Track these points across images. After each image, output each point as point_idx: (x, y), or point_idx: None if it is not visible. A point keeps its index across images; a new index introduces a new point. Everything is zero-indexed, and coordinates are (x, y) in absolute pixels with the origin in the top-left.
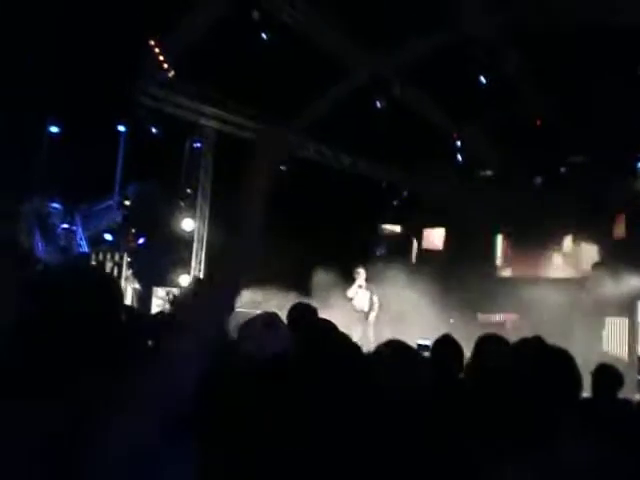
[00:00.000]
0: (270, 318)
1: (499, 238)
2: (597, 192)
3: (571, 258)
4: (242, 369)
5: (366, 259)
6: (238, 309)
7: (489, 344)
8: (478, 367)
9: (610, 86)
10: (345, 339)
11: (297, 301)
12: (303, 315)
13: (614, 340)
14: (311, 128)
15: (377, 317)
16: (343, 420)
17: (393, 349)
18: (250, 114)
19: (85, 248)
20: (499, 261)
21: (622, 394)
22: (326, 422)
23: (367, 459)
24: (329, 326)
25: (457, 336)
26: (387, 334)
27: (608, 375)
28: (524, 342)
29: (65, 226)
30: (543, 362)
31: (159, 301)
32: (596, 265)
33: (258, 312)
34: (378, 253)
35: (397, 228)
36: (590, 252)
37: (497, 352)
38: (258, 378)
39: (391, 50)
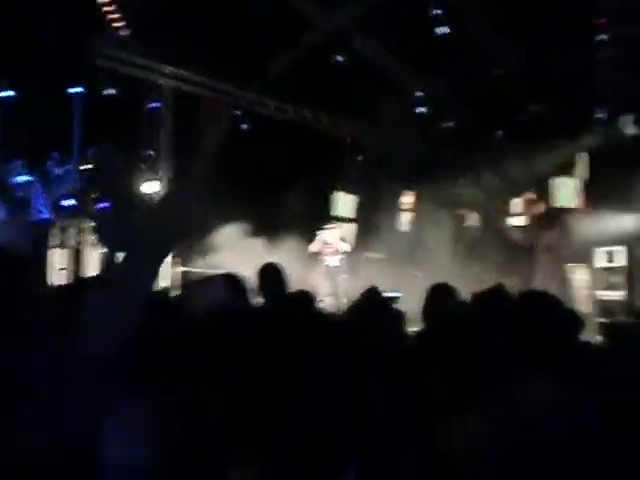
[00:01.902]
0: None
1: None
2: (558, 140)
3: (534, 205)
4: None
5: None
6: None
7: (440, 294)
8: (431, 317)
9: (568, 34)
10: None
11: (266, 262)
12: (272, 277)
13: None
14: (272, 85)
15: (346, 270)
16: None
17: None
18: (209, 72)
19: (47, 214)
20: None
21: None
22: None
23: (337, 405)
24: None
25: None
26: (357, 288)
27: (569, 318)
28: (482, 294)
29: (22, 178)
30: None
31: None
32: (550, 211)
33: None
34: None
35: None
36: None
37: (448, 302)
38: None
39: (351, 2)
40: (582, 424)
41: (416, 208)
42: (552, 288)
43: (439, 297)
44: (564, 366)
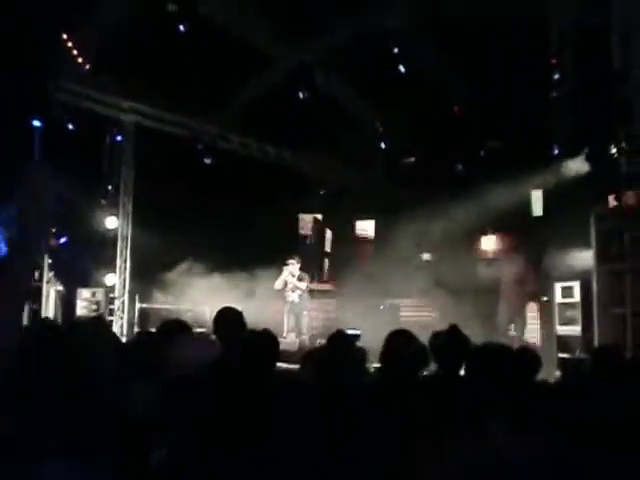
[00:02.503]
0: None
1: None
2: (515, 176)
3: (492, 242)
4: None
5: (296, 249)
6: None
7: (398, 340)
8: (390, 363)
9: (525, 73)
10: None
11: (222, 307)
12: (229, 321)
13: (534, 321)
14: (234, 119)
15: (308, 307)
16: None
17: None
18: (170, 106)
19: (3, 250)
20: (424, 247)
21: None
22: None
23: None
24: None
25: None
26: (319, 323)
27: (526, 358)
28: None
29: None
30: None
31: (84, 303)
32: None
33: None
34: (308, 242)
35: (317, 216)
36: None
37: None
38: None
39: (312, 40)
40: (540, 464)
41: (375, 239)
42: (515, 320)
43: (397, 343)
44: (522, 410)
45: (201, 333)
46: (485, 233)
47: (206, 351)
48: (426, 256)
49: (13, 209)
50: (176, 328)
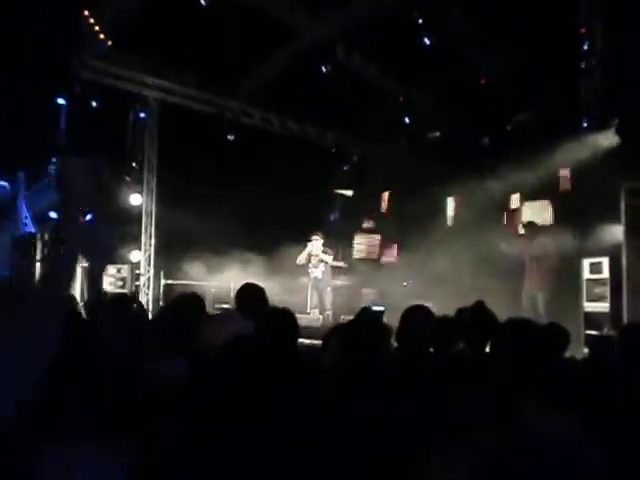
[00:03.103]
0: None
1: (449, 200)
2: (543, 149)
3: (517, 216)
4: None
5: (320, 224)
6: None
7: (415, 315)
8: (405, 339)
9: (553, 43)
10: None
11: (245, 282)
12: (251, 297)
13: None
14: (256, 95)
15: (332, 283)
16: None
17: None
18: (193, 82)
19: (31, 228)
20: (449, 221)
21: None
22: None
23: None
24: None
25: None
26: (343, 300)
27: (554, 335)
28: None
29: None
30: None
31: (110, 279)
32: (528, 224)
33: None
34: (332, 218)
35: (349, 192)
36: (536, 210)
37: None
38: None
39: (335, 13)
40: (570, 444)
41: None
42: (538, 298)
43: (414, 319)
44: (551, 388)
45: (227, 309)
46: (511, 207)
47: (227, 328)
48: (450, 230)
49: (39, 187)
50: (192, 305)
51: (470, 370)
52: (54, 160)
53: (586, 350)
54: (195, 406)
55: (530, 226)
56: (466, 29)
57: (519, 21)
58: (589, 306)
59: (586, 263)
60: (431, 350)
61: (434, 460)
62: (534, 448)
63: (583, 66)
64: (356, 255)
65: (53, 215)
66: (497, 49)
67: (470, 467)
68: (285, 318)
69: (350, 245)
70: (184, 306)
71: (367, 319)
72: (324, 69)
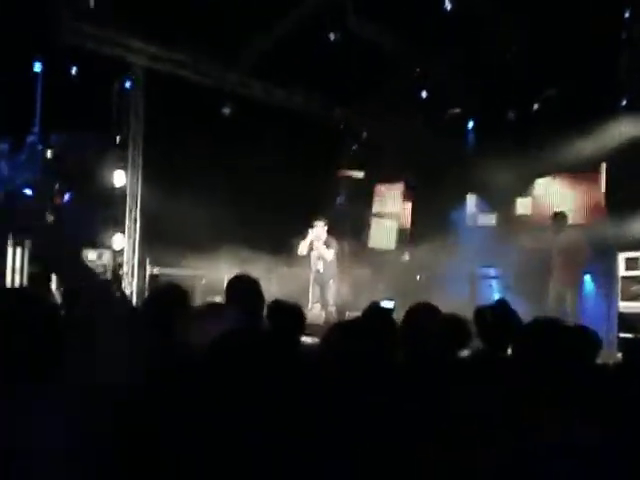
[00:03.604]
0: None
1: (469, 197)
2: (574, 130)
3: (544, 201)
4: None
5: (325, 209)
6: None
7: (420, 314)
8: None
9: (589, 8)
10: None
11: (236, 273)
12: (243, 291)
13: (592, 295)
14: (257, 63)
15: (336, 275)
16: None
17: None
18: (186, 49)
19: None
20: (469, 210)
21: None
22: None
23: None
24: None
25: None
26: (348, 294)
27: (584, 338)
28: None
29: None
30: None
31: (90, 264)
32: (557, 214)
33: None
34: (338, 202)
35: (359, 174)
36: (568, 197)
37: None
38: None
39: None
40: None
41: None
42: (566, 297)
43: (419, 319)
44: (580, 396)
45: (214, 303)
46: (538, 194)
47: (215, 325)
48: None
49: (16, 162)
50: (172, 298)
51: (482, 372)
52: (33, 132)
53: (620, 355)
54: (174, 411)
55: (559, 216)
56: None
57: None
58: (624, 306)
59: (622, 258)
60: (438, 351)
61: (434, 455)
62: (544, 456)
63: (625, 36)
64: (371, 243)
65: (28, 192)
66: (524, 16)
67: (477, 469)
68: (289, 313)
69: (359, 233)
70: (162, 299)
71: (375, 316)
72: (332, 37)
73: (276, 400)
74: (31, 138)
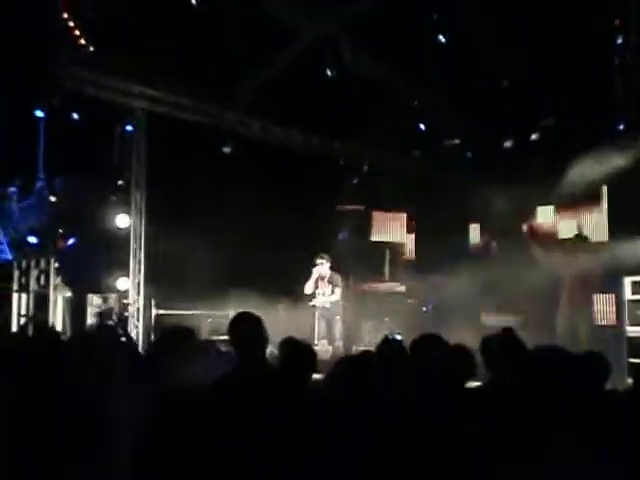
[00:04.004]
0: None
1: (472, 227)
2: (573, 157)
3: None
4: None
5: (328, 245)
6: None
7: (426, 345)
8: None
9: (583, 37)
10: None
11: (238, 311)
12: (244, 329)
13: (601, 319)
14: (254, 101)
15: (341, 311)
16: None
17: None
18: (185, 91)
19: (7, 254)
20: (472, 239)
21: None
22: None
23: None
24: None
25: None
26: (353, 329)
27: (593, 364)
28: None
29: None
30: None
31: (95, 309)
32: (578, 237)
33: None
34: (340, 237)
35: (360, 207)
36: (568, 223)
37: (434, 355)
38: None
39: (338, 8)
40: None
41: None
42: (578, 320)
43: (426, 348)
44: (589, 424)
45: (211, 342)
46: (538, 222)
47: (212, 365)
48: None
49: (13, 210)
50: (176, 337)
51: (491, 403)
52: (40, 177)
53: (630, 380)
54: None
55: (579, 238)
56: (484, 24)
57: (544, 14)
58: (632, 331)
59: (628, 282)
60: (445, 382)
61: None
62: None
63: (617, 62)
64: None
65: (33, 240)
66: (519, 46)
67: None
68: (299, 351)
69: (362, 266)
70: (169, 339)
71: (389, 349)
72: (329, 72)
73: (282, 442)
74: (39, 183)
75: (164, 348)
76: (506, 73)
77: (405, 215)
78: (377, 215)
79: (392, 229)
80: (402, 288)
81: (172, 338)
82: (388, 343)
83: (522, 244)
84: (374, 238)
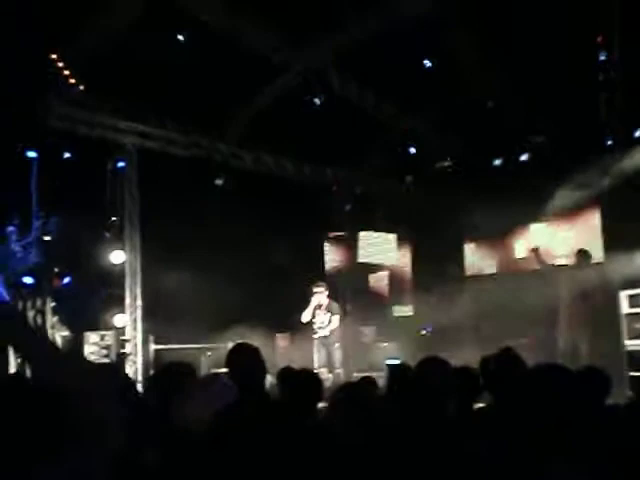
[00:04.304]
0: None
1: (467, 247)
2: (564, 173)
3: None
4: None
5: (323, 274)
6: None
7: (431, 367)
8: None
9: (567, 54)
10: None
11: (236, 343)
12: (242, 360)
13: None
14: (245, 135)
15: (341, 338)
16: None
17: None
18: (175, 126)
19: (5, 296)
20: (468, 259)
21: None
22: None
23: None
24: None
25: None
26: (353, 356)
27: (595, 381)
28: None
29: None
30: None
31: (93, 347)
32: (581, 252)
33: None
34: (333, 264)
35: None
36: (565, 240)
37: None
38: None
39: (323, 40)
40: None
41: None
42: (579, 337)
43: (429, 371)
44: (590, 441)
45: (216, 375)
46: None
47: (214, 398)
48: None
49: (13, 250)
50: (176, 373)
51: (494, 425)
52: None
53: (631, 393)
54: None
55: (583, 254)
56: (469, 44)
57: (526, 34)
58: (631, 344)
59: (624, 295)
60: (450, 405)
61: None
62: None
63: (602, 78)
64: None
65: (28, 281)
66: (504, 66)
67: None
68: (305, 381)
69: (360, 292)
70: (168, 375)
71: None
72: (317, 101)
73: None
74: (36, 222)
75: (169, 386)
76: (491, 93)
77: (395, 236)
78: (365, 235)
79: (384, 251)
80: (402, 310)
81: (176, 375)
82: (388, 368)
83: (517, 263)
84: (362, 260)
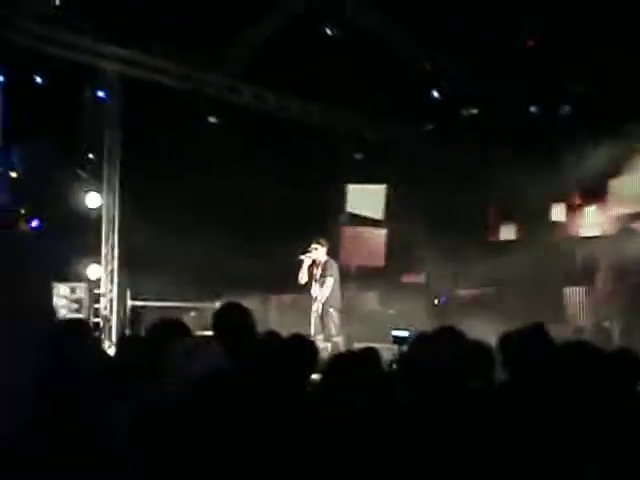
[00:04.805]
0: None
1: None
2: (607, 130)
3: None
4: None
5: (325, 229)
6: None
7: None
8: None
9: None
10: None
11: (225, 302)
12: (231, 322)
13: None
14: (245, 67)
15: (338, 303)
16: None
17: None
18: (165, 52)
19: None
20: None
21: None
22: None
23: None
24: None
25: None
26: (355, 323)
27: (625, 363)
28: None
29: None
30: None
31: (62, 300)
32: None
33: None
34: (341, 220)
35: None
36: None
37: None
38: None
39: None
40: None
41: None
42: (615, 322)
43: (439, 344)
44: (621, 430)
45: (205, 337)
46: (571, 205)
47: (207, 361)
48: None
49: None
50: (169, 331)
51: (509, 406)
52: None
53: None
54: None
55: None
56: None
57: None
58: None
59: None
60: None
61: None
62: None
63: None
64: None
65: None
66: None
67: None
68: (299, 349)
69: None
70: (158, 335)
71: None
72: (329, 31)
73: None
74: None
75: (165, 344)
76: (532, 30)
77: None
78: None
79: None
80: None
81: (170, 333)
82: (395, 340)
83: (550, 229)
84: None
